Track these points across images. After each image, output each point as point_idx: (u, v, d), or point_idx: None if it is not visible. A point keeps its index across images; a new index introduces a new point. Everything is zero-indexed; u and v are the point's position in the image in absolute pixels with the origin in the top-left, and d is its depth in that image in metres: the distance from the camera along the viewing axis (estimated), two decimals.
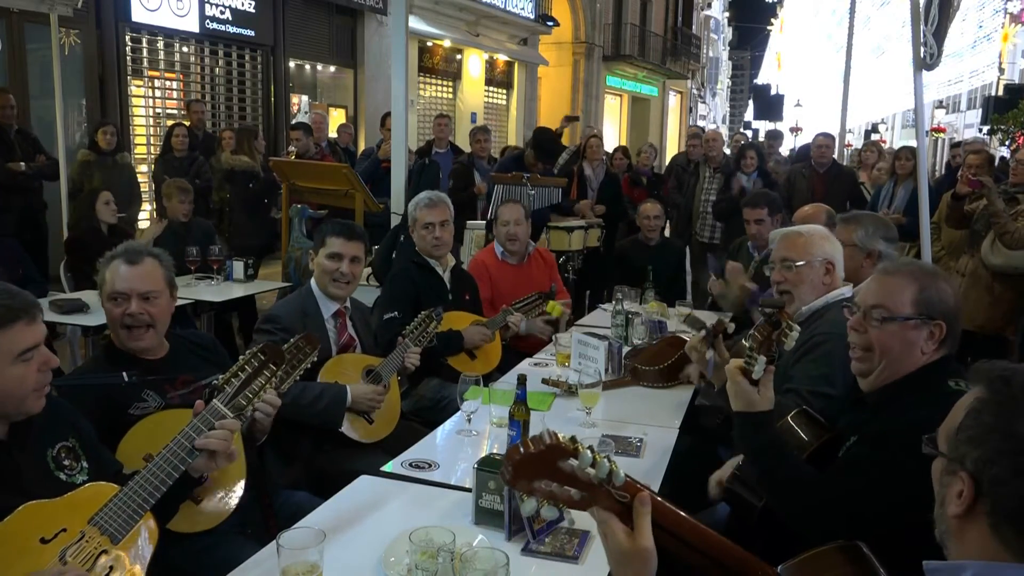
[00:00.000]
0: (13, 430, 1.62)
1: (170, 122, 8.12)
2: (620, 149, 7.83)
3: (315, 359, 1.98)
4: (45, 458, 1.65)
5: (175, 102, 9.60)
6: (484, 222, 5.62)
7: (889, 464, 1.60)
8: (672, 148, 24.94)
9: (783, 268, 2.55)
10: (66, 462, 1.67)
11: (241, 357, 1.85)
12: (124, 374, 2.06)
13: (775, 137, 9.42)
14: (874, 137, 31.44)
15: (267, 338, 2.70)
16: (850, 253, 2.79)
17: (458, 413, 2.56)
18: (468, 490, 1.95)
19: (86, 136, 7.82)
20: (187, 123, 7.44)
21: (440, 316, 3.05)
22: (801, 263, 2.51)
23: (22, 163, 5.90)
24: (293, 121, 9.52)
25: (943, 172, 8.42)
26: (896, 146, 7.01)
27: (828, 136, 7.05)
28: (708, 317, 3.46)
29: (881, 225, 2.96)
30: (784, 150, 12.94)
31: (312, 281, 2.96)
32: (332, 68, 12.28)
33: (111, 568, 1.51)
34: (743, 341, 1.95)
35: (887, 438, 1.65)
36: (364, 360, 2.88)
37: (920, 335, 1.75)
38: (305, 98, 11.49)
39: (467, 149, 7.17)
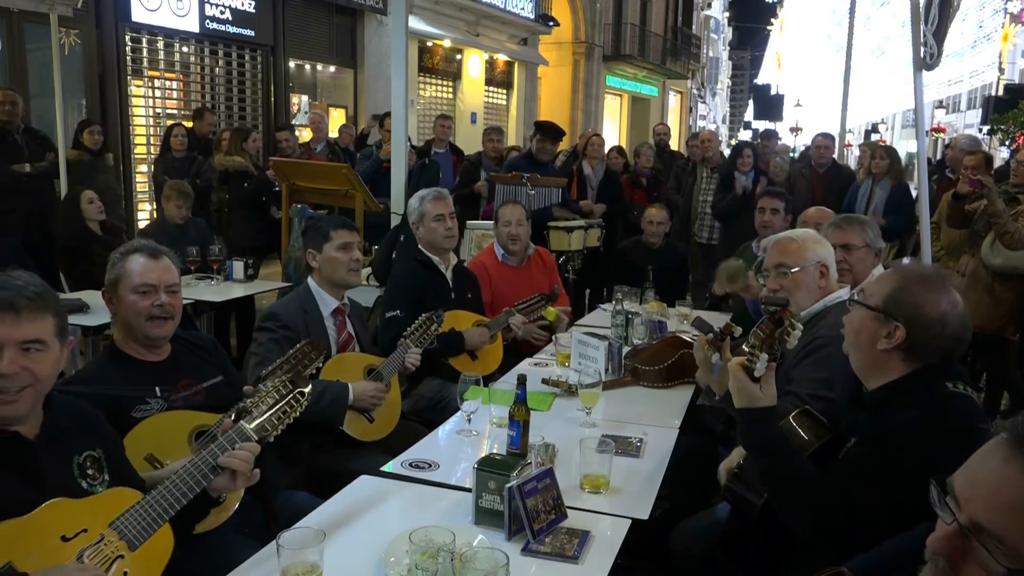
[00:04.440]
0: (44, 431, 1.61)
1: (170, 122, 8.11)
2: (615, 149, 7.82)
3: (320, 365, 1.99)
4: (71, 463, 1.64)
5: (175, 102, 9.60)
6: (485, 222, 5.62)
7: (885, 463, 1.61)
8: (673, 148, 24.89)
9: (778, 275, 2.56)
10: (90, 471, 1.67)
11: (269, 382, 1.89)
12: (157, 389, 2.10)
13: (770, 137, 9.37)
14: (874, 137, 31.47)
15: (268, 336, 2.72)
16: (862, 255, 2.84)
17: (458, 413, 2.56)
18: (468, 490, 1.95)
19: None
20: (188, 124, 7.43)
21: (441, 319, 3.07)
22: (796, 269, 2.52)
23: (27, 164, 5.80)
24: (293, 121, 9.51)
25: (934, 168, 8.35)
26: (897, 146, 6.98)
27: (827, 136, 7.03)
28: (708, 318, 3.46)
29: (876, 223, 3.09)
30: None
31: (310, 279, 2.98)
32: (332, 68, 12.28)
33: (125, 574, 1.52)
34: (744, 345, 1.95)
35: (883, 438, 1.66)
36: (365, 359, 2.89)
37: (879, 330, 1.74)
38: (305, 98, 11.48)
39: (467, 149, 7.16)
